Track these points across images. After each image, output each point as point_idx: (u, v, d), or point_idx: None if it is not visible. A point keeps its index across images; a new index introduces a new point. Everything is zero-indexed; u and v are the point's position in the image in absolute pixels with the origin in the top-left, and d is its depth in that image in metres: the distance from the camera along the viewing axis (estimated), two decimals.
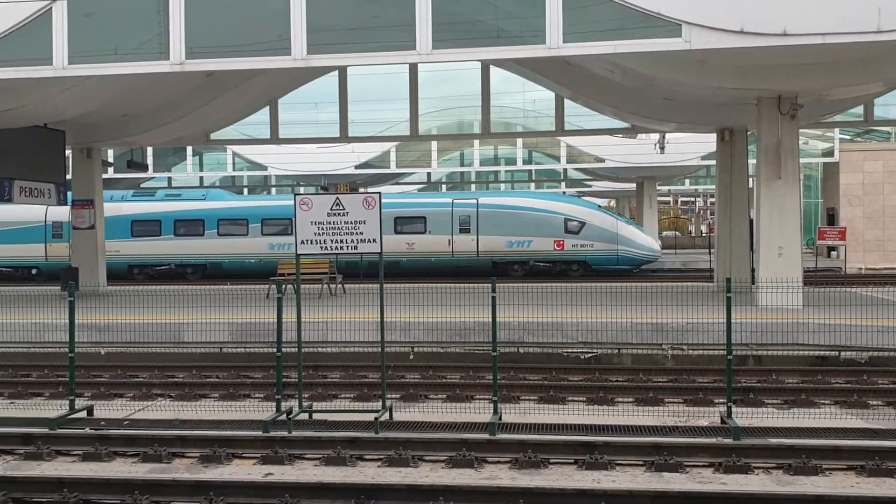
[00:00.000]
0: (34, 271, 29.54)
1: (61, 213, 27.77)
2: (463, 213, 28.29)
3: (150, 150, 32.24)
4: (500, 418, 8.78)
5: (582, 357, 12.25)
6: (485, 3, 13.32)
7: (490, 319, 9.07)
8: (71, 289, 9.88)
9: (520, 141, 36.57)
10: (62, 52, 13.11)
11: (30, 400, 10.66)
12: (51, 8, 13.08)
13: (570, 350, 12.39)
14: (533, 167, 41.03)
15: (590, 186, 50.53)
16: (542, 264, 27.60)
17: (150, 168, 33.42)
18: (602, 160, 36.11)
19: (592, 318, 12.28)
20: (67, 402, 9.55)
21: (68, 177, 20.61)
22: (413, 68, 19.58)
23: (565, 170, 41.47)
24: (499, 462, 7.45)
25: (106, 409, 9.83)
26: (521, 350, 12.52)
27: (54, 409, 9.79)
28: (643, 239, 28.70)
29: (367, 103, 24.71)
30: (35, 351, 13.23)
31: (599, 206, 32.82)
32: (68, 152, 20.42)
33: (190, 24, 12.92)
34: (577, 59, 14.73)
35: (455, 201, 29.05)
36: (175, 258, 28.97)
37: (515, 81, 22.67)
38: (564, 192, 49.12)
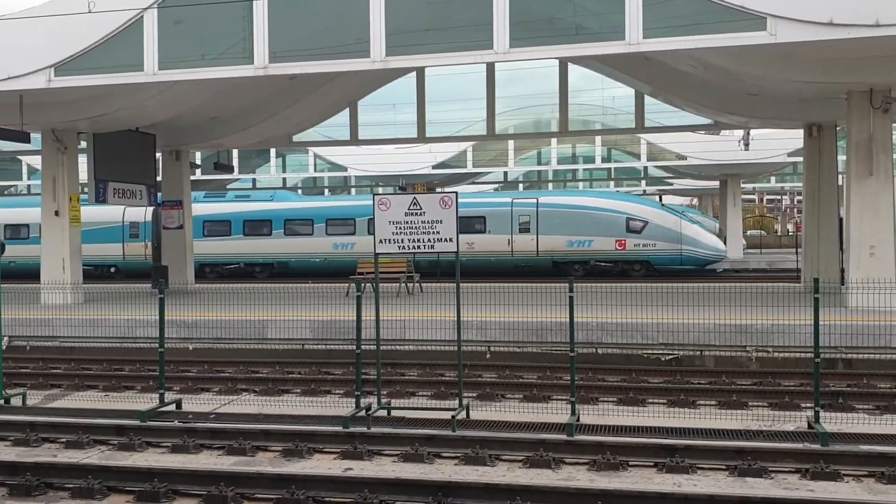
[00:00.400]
0: (112, 269, 30.86)
1: (137, 213, 28.87)
2: (523, 213, 28.24)
3: (235, 153, 33.17)
4: (578, 419, 8.72)
5: (662, 359, 12.04)
6: (563, 0, 13.24)
7: (567, 319, 9.00)
8: (161, 286, 10.28)
9: (598, 139, 36.09)
10: (153, 58, 13.65)
11: (122, 393, 11.13)
12: (142, 17, 13.64)
13: (650, 352, 12.19)
14: (612, 165, 40.42)
15: (671, 185, 49.47)
16: (603, 264, 27.26)
17: (236, 170, 34.39)
18: (684, 157, 35.29)
19: (673, 319, 12.05)
20: (157, 395, 9.95)
21: (158, 178, 21.38)
22: (490, 67, 19.58)
23: (645, 168, 40.74)
24: (577, 463, 7.40)
25: (193, 403, 10.19)
26: (599, 351, 12.39)
27: (145, 402, 10.20)
28: (707, 238, 28.25)
29: (444, 103, 24.79)
30: (127, 346, 13.81)
31: (663, 205, 31.91)
32: (158, 155, 21.21)
33: (273, 29, 13.28)
34: (657, 55, 14.46)
35: (514, 201, 28.97)
36: (244, 257, 29.76)
37: (594, 79, 22.37)
38: (644, 192, 48.34)
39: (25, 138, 16.42)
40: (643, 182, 47.71)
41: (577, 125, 27.18)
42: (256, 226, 29.97)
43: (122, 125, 17.94)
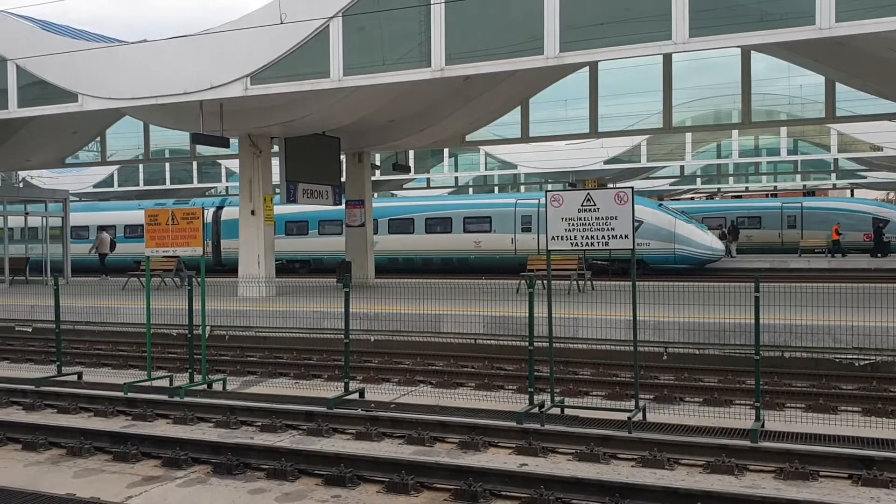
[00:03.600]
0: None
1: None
2: (525, 213, 29.32)
3: (411, 153, 34.27)
4: (763, 425, 8.33)
5: (857, 364, 11.22)
6: None
7: (752, 321, 8.62)
8: (346, 281, 10.85)
9: (783, 130, 34.04)
10: (338, 65, 14.40)
11: (311, 381, 11.84)
12: (328, 25, 14.42)
13: (842, 356, 11.40)
14: (798, 157, 38.00)
15: (864, 178, 45.83)
16: (599, 262, 27.23)
17: (412, 170, 35.54)
18: (880, 148, 32.55)
19: (870, 322, 11.20)
20: (343, 384, 10.51)
21: (342, 179, 22.51)
22: (667, 59, 19.02)
23: (835, 160, 38.01)
24: (761, 471, 7.08)
25: (375, 393, 10.67)
26: (786, 355, 11.73)
27: (331, 390, 10.81)
28: (702, 237, 28.57)
29: (618, 97, 24.35)
30: (315, 336, 14.66)
31: (660, 205, 31.49)
32: (342, 157, 22.33)
33: (449, 32, 13.61)
34: (850, 40, 13.46)
35: (518, 202, 30.01)
36: (318, 254, 32.86)
37: (779, 67, 21.18)
38: (834, 186, 45.39)
39: (225, 143, 17.81)
40: (833, 175, 44.52)
41: (760, 116, 25.78)
42: (326, 226, 32.95)
43: (310, 129, 19.05)
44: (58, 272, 24.82)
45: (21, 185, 41.25)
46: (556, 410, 9.29)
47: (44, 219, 26.72)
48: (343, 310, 10.70)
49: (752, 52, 18.38)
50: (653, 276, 25.14)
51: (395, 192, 47.64)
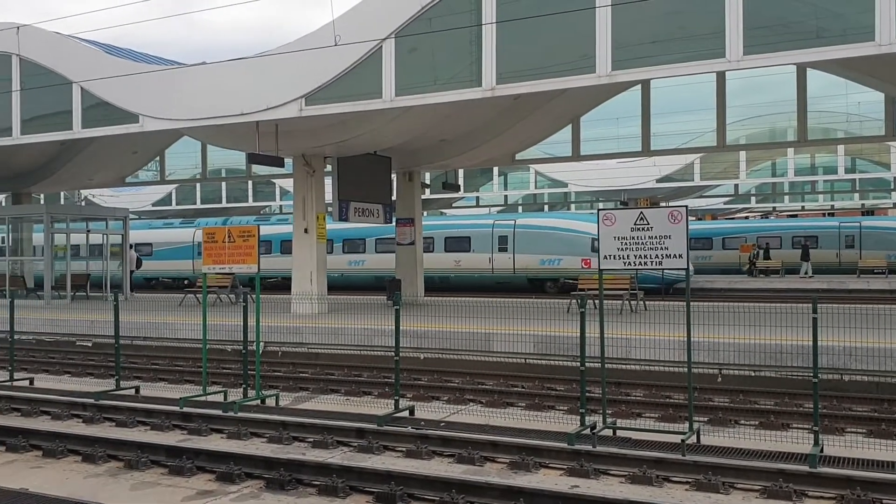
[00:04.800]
0: (185, 282, 35.30)
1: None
2: (502, 233, 30.47)
3: (461, 172, 34.44)
4: (822, 450, 8.11)
5: None
6: (802, 2, 12.46)
7: (810, 343, 8.42)
8: (397, 298, 10.93)
9: (841, 148, 33.29)
10: (390, 85, 14.59)
11: (361, 398, 11.92)
12: (381, 47, 14.63)
13: None
14: (857, 176, 37.19)
15: None
16: (571, 281, 27.31)
17: (462, 188, 35.68)
18: None
19: None
20: (392, 401, 10.56)
21: (393, 198, 22.71)
22: (720, 76, 18.82)
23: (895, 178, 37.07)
24: (821, 497, 6.90)
25: (425, 411, 10.69)
26: (845, 378, 11.42)
27: (381, 407, 10.86)
28: None
29: (670, 115, 24.18)
30: (365, 353, 14.77)
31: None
32: (393, 176, 22.54)
33: (500, 51, 13.69)
34: None
35: (496, 222, 31.28)
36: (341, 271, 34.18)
37: (836, 84, 20.76)
38: (863, 206, 44.91)
39: (280, 163, 18.15)
40: (893, 194, 43.34)
41: (816, 134, 25.25)
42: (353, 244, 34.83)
43: (362, 149, 19.29)
44: (117, 288, 25.49)
45: (83, 203, 42.60)
46: (608, 432, 9.19)
47: (105, 236, 27.52)
48: (393, 327, 10.77)
49: (807, 68, 18.07)
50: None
51: (444, 210, 47.97)
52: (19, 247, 27.93)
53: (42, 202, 35.75)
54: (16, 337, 13.99)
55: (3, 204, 30.95)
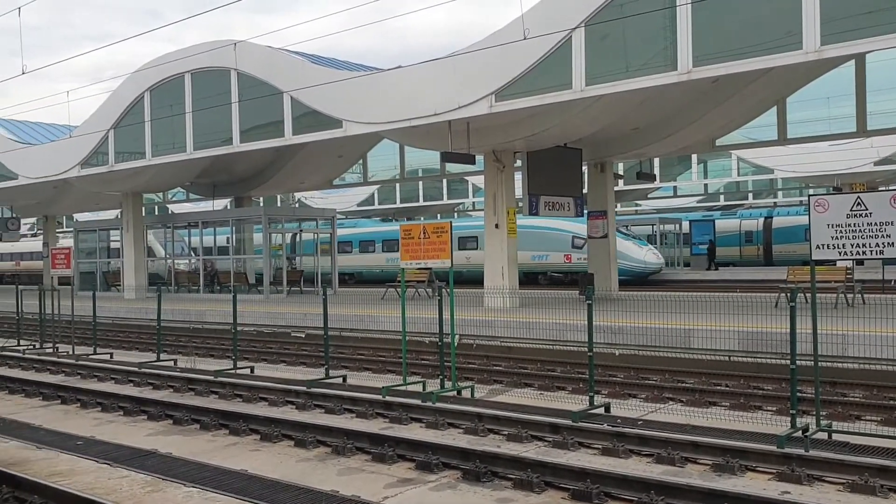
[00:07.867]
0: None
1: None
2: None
3: (656, 161, 33.38)
4: None
5: None
6: None
7: None
8: (589, 293, 10.76)
9: None
10: (580, 75, 14.39)
11: (555, 393, 11.85)
12: (570, 37, 14.46)
13: None
14: None
15: None
16: (556, 275, 32.66)
17: (657, 178, 34.55)
18: None
19: None
20: (587, 397, 10.41)
21: (584, 190, 22.42)
22: None
23: None
24: None
25: (621, 408, 10.44)
26: None
27: (575, 403, 10.74)
28: (637, 253, 31.95)
29: (889, 91, 22.00)
30: (558, 348, 14.68)
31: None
32: (584, 168, 22.25)
33: (696, 32, 13.08)
34: None
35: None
36: (355, 268, 38.50)
37: None
38: None
39: (471, 160, 18.47)
40: None
41: None
42: (366, 244, 38.87)
43: (551, 142, 19.20)
44: (327, 283, 27.12)
45: (297, 205, 45.79)
46: (822, 435, 8.50)
47: (315, 235, 29.34)
48: (586, 322, 10.61)
49: None
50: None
51: (638, 202, 46.70)
52: (241, 246, 30.46)
53: (261, 205, 38.92)
54: (239, 329, 15.26)
55: (228, 207, 33.85)
